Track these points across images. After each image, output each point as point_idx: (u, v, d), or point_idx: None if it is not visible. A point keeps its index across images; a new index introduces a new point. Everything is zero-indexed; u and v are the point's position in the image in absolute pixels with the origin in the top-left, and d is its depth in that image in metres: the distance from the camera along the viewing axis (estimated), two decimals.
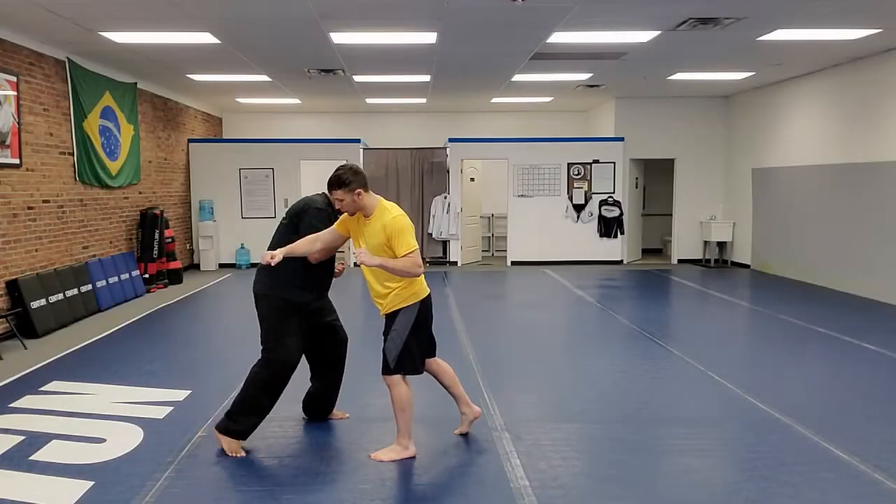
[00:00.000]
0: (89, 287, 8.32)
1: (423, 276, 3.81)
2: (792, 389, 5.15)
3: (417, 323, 3.79)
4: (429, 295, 3.87)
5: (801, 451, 3.94)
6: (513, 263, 12.92)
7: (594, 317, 8.26)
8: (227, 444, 3.92)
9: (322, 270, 4.09)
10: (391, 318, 3.80)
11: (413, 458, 3.82)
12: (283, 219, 4.08)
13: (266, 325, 3.99)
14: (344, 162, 4.08)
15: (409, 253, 3.62)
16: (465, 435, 4.19)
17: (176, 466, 3.76)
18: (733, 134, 12.67)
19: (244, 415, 3.94)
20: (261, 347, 4.00)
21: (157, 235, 10.18)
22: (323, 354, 4.31)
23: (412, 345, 3.78)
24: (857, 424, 4.38)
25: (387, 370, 3.78)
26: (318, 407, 4.45)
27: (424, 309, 3.83)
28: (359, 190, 3.70)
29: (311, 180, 13.97)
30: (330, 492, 3.48)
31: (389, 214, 3.71)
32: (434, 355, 4.07)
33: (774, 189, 11.23)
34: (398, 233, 3.64)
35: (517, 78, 10.37)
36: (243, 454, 3.90)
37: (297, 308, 3.99)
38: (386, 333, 3.82)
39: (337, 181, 3.71)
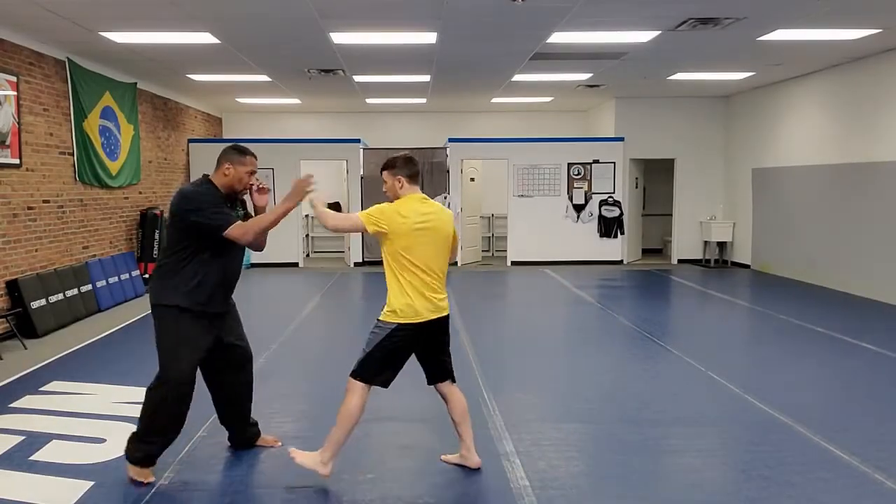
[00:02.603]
0: (89, 287, 8.32)
1: (422, 300, 3.42)
2: (792, 389, 5.14)
3: (385, 346, 3.43)
4: (414, 324, 3.41)
5: (801, 451, 3.94)
6: (513, 263, 12.92)
7: (594, 317, 8.26)
8: (135, 472, 3.52)
9: (226, 269, 3.69)
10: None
11: (325, 477, 3.47)
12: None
13: (158, 339, 3.55)
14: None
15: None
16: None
17: (176, 466, 3.75)
18: (733, 134, 12.66)
19: (144, 441, 3.52)
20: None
21: (157, 235, 10.18)
22: (222, 387, 3.87)
23: (377, 357, 3.45)
24: (857, 424, 4.38)
25: (352, 372, 3.50)
26: (231, 432, 3.97)
27: (397, 338, 3.42)
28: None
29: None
30: (329, 491, 3.48)
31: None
32: (443, 379, 3.66)
33: (774, 189, 11.23)
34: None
35: (517, 78, 10.38)
36: (153, 479, 3.52)
37: (194, 316, 3.52)
38: None
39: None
